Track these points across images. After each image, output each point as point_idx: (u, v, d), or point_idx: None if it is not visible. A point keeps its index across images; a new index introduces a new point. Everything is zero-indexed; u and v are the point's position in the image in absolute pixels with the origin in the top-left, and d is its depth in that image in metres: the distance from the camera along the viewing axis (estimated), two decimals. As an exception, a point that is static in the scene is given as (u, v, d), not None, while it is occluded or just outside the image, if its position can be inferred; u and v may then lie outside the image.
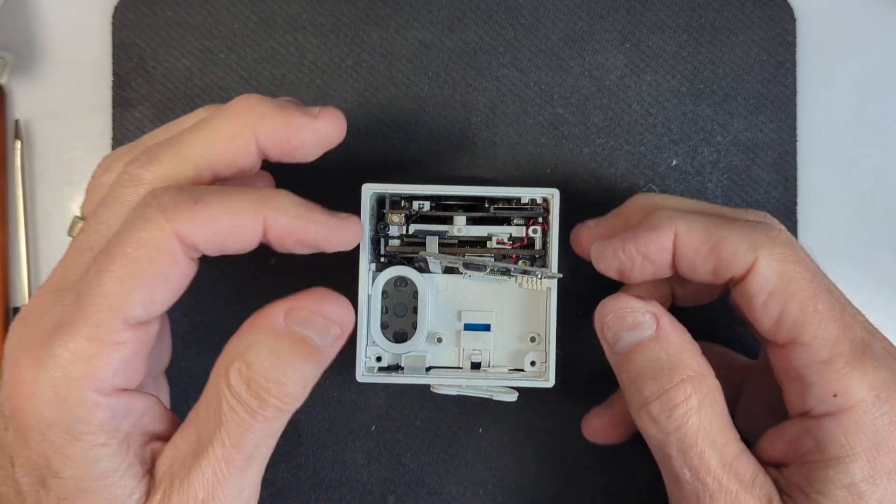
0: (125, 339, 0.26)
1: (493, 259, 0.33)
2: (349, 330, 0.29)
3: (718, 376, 0.33)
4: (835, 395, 0.26)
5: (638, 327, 0.28)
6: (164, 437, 0.28)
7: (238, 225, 0.26)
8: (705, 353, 0.35)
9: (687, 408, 0.27)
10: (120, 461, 0.26)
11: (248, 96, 0.28)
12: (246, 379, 0.26)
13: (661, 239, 0.28)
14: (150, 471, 0.27)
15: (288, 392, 0.26)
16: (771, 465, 0.28)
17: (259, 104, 0.28)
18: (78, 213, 0.31)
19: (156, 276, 0.25)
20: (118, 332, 0.25)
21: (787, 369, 0.28)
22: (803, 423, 0.27)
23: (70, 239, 0.29)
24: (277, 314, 0.27)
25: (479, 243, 0.33)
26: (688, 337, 0.29)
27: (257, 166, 0.29)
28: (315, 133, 0.28)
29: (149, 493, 0.26)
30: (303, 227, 0.27)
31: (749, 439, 0.29)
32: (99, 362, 0.25)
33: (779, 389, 0.29)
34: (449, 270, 0.33)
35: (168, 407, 0.29)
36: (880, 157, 0.40)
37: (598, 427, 0.34)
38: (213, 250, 0.27)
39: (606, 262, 0.29)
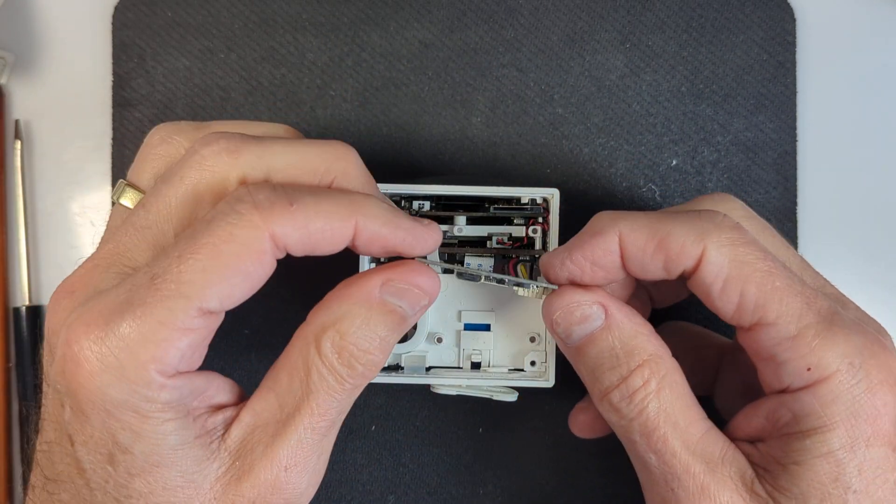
0: (196, 326, 0.25)
1: (491, 266, 0.33)
2: (434, 300, 0.29)
3: (696, 356, 0.33)
4: (808, 369, 0.26)
5: (587, 320, 0.28)
6: (234, 405, 0.28)
7: (330, 228, 0.26)
8: (682, 333, 0.35)
9: (646, 392, 0.27)
10: (188, 434, 0.26)
11: (345, 146, 0.28)
12: (338, 348, 0.26)
13: (607, 242, 0.28)
14: (222, 437, 0.27)
15: (375, 361, 0.27)
16: (745, 441, 0.28)
17: (352, 160, 0.28)
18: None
19: (239, 272, 0.25)
20: (190, 319, 0.25)
21: (757, 350, 0.27)
22: (779, 399, 0.27)
23: (112, 204, 0.30)
24: (373, 285, 0.27)
25: (480, 243, 0.33)
26: (639, 319, 0.28)
27: None
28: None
29: (223, 460, 0.26)
30: (391, 234, 0.27)
31: (727, 419, 0.29)
32: (167, 346, 0.25)
33: (755, 369, 0.29)
34: (449, 270, 0.33)
35: None
36: (880, 156, 0.40)
37: (584, 421, 0.34)
38: (301, 252, 0.26)
39: (556, 272, 0.29)
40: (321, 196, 0.26)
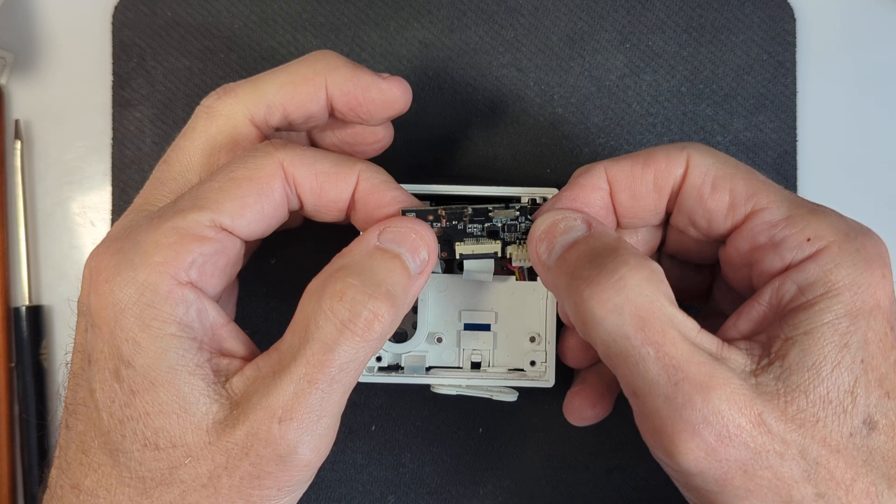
0: (209, 235, 0.27)
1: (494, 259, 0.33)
2: (434, 259, 0.29)
3: (683, 284, 0.33)
4: (808, 239, 0.26)
5: (570, 230, 0.28)
6: (242, 359, 0.27)
7: (336, 171, 0.29)
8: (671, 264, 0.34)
9: (637, 279, 0.25)
10: (189, 359, 0.26)
11: (325, 50, 0.31)
12: (340, 293, 0.26)
13: (594, 177, 0.29)
14: (224, 384, 0.26)
15: (380, 310, 0.26)
16: (741, 340, 0.27)
17: (334, 57, 0.30)
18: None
19: (250, 191, 0.27)
20: (203, 228, 0.26)
21: (753, 239, 0.28)
22: (782, 277, 0.27)
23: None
24: (371, 236, 0.28)
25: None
26: (624, 237, 0.29)
27: (325, 117, 0.30)
28: (381, 93, 0.30)
29: (223, 405, 0.26)
30: (388, 192, 0.29)
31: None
32: (179, 248, 0.26)
33: (741, 297, 0.29)
34: (449, 270, 0.33)
35: None
36: (880, 156, 0.40)
37: (581, 405, 0.33)
38: (309, 192, 0.29)
39: (544, 219, 0.29)
40: (329, 152, 0.30)
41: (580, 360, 0.33)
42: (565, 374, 0.35)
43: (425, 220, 0.30)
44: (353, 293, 0.26)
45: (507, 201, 0.32)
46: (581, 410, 0.33)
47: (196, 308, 0.26)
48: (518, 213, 0.31)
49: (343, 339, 0.26)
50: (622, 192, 0.29)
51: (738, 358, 0.26)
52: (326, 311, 0.26)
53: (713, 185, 0.28)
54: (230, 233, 0.27)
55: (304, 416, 0.26)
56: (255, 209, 0.27)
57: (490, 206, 0.31)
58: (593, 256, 0.27)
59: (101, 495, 0.26)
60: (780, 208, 0.27)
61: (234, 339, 0.28)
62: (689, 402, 0.24)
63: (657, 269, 0.26)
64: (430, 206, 0.31)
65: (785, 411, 0.25)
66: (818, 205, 0.28)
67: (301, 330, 0.26)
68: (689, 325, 0.26)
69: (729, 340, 0.27)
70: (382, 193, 0.29)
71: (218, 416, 0.26)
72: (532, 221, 0.31)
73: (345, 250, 0.28)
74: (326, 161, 0.29)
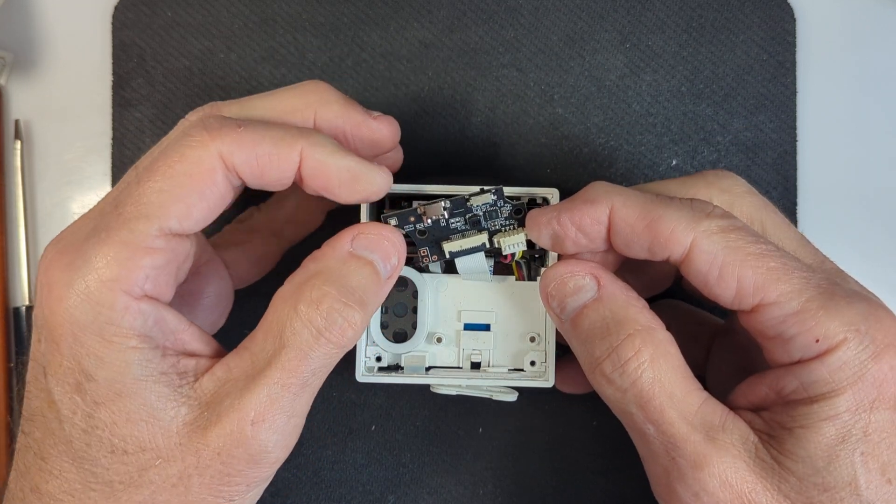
0: (158, 246, 0.26)
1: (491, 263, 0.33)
2: (402, 264, 0.30)
3: (689, 333, 0.33)
4: (817, 341, 0.26)
5: (580, 290, 0.28)
6: (209, 357, 0.28)
7: (277, 153, 0.27)
8: (676, 310, 0.35)
9: (639, 362, 0.27)
10: (153, 368, 0.26)
11: (319, 81, 0.30)
12: (316, 301, 0.27)
13: (597, 212, 0.28)
14: (192, 384, 0.27)
15: (353, 317, 0.27)
16: (747, 410, 0.28)
17: (327, 91, 0.30)
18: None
19: (193, 191, 0.26)
20: (152, 239, 0.26)
21: (762, 330, 0.27)
22: (786, 369, 0.27)
23: None
24: (345, 241, 0.28)
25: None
26: (633, 294, 0.29)
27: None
28: (370, 132, 0.30)
29: (192, 407, 0.26)
30: (335, 164, 0.28)
31: (719, 400, 0.29)
32: (131, 265, 0.26)
33: (748, 351, 0.29)
34: (449, 270, 0.33)
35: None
36: (880, 157, 0.40)
37: (570, 372, 0.34)
38: (250, 175, 0.27)
39: (539, 229, 0.29)
40: (271, 124, 0.28)
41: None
42: (565, 374, 0.35)
43: (407, 221, 0.30)
44: (329, 302, 0.27)
45: (483, 191, 0.32)
46: (568, 377, 0.34)
47: (154, 318, 0.27)
48: (494, 195, 0.30)
49: (318, 346, 0.27)
50: (618, 237, 0.28)
51: (741, 429, 0.27)
52: (303, 318, 0.27)
53: (720, 273, 0.27)
54: (179, 235, 0.27)
55: (276, 418, 0.26)
56: (201, 207, 0.27)
57: (466, 195, 0.30)
58: (603, 328, 0.28)
59: (65, 500, 0.26)
60: (790, 301, 0.26)
61: (197, 341, 0.28)
62: (683, 477, 0.26)
63: (663, 340, 0.27)
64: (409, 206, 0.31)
65: (779, 489, 0.26)
66: (833, 289, 0.27)
67: (275, 334, 0.27)
68: (691, 399, 0.27)
69: (736, 409, 0.28)
70: (327, 168, 0.28)
71: (187, 418, 0.26)
72: (511, 205, 0.30)
73: (318, 254, 0.28)
74: (265, 142, 0.27)
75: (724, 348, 0.34)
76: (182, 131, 0.27)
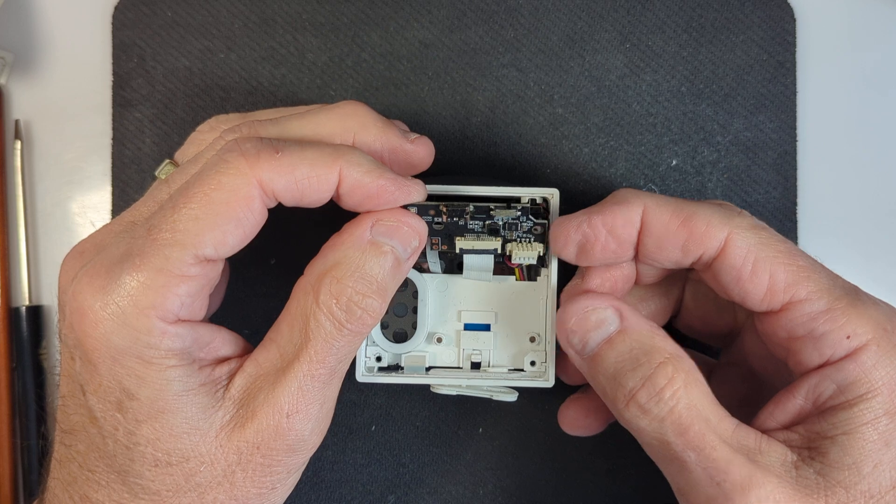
0: (193, 273, 0.26)
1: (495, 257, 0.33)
2: (423, 244, 0.30)
3: (705, 328, 0.33)
4: (848, 337, 0.26)
5: (603, 324, 0.28)
6: (238, 357, 0.28)
7: (315, 175, 0.27)
8: None
9: (674, 389, 0.26)
10: (192, 382, 0.27)
11: (356, 102, 0.30)
12: (336, 293, 0.27)
13: (630, 212, 0.28)
14: (226, 386, 0.27)
15: (373, 305, 0.27)
16: (779, 430, 0.28)
17: (365, 115, 0.30)
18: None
19: (230, 219, 0.26)
20: (187, 266, 0.26)
21: (791, 330, 0.27)
22: (820, 373, 0.27)
23: (154, 177, 0.32)
24: (364, 228, 0.28)
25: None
26: (653, 323, 0.29)
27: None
28: (407, 155, 0.30)
29: (228, 408, 0.27)
30: (373, 182, 0.28)
31: None
32: (167, 292, 0.26)
33: (750, 382, 0.29)
34: (449, 270, 0.33)
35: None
36: (880, 157, 0.40)
37: (576, 415, 0.33)
38: (290, 199, 0.28)
39: (568, 235, 0.29)
40: (307, 145, 0.28)
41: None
42: (565, 374, 0.35)
43: (426, 214, 0.30)
44: (349, 294, 0.27)
45: (507, 201, 0.32)
46: (575, 419, 0.33)
47: (190, 338, 0.27)
48: (520, 212, 0.31)
49: (341, 336, 0.27)
50: (650, 238, 0.28)
51: (778, 450, 0.26)
52: (325, 310, 0.27)
53: (753, 268, 0.27)
54: (213, 261, 0.27)
55: (310, 408, 0.27)
56: (237, 234, 0.27)
57: (492, 205, 0.31)
58: (632, 360, 0.27)
59: None
60: (820, 300, 0.27)
61: (227, 345, 0.29)
62: (730, 502, 0.26)
63: (691, 367, 0.27)
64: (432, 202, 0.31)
65: (826, 503, 0.25)
66: (857, 291, 0.28)
67: (300, 326, 0.27)
68: (725, 425, 0.27)
69: (767, 431, 0.27)
70: (367, 187, 0.28)
71: (225, 420, 0.27)
72: (533, 221, 0.31)
73: (337, 241, 0.28)
74: (304, 164, 0.27)
75: (723, 383, 0.33)
76: (219, 156, 0.27)
